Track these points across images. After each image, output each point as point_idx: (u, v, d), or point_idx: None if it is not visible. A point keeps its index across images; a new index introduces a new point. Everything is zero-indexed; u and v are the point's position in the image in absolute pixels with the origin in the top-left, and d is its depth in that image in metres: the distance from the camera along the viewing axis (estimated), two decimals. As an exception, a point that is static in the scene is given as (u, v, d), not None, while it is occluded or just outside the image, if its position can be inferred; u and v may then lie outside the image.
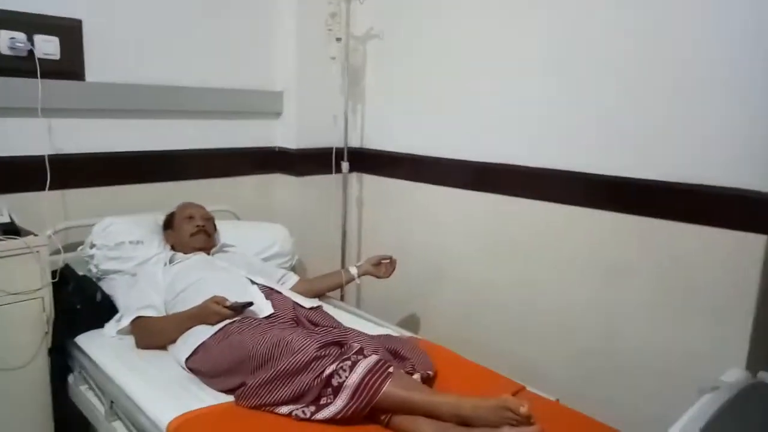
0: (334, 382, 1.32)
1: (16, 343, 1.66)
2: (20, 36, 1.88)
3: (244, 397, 1.38)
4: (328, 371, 1.33)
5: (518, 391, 1.53)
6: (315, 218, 2.72)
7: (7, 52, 1.87)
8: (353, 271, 2.19)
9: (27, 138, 1.94)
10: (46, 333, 1.71)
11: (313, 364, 1.34)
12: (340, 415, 1.30)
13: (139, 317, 1.73)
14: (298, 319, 1.67)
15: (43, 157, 1.94)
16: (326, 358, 1.35)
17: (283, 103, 2.67)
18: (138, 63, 2.21)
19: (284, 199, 2.74)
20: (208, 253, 2.01)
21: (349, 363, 1.33)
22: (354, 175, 2.89)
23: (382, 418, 1.33)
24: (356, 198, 2.91)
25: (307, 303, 1.80)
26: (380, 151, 2.78)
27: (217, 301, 1.59)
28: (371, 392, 1.29)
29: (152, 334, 1.69)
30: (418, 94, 2.57)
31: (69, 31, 2.00)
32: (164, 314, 1.76)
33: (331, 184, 2.67)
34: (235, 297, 1.65)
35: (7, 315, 1.63)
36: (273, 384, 1.35)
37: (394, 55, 2.66)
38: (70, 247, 2.03)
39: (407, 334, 1.93)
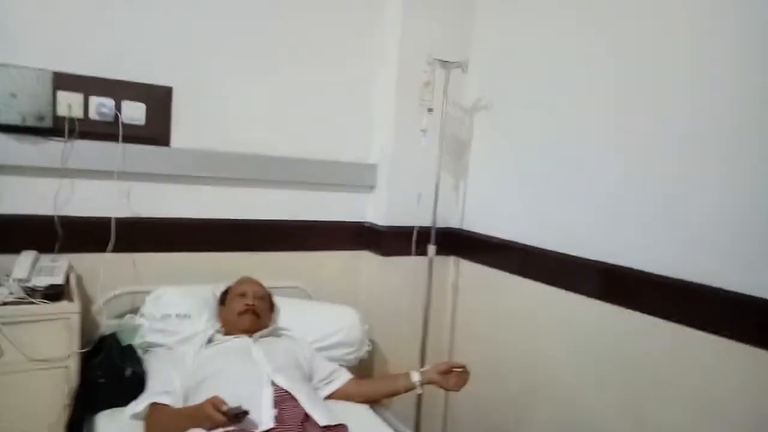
0: None
1: (33, 415, 1.58)
2: (108, 102, 1.94)
3: None
4: None
5: None
6: (398, 304, 2.42)
7: (95, 117, 1.93)
8: (415, 378, 1.84)
9: (100, 199, 1.96)
10: (66, 406, 1.62)
11: None
12: None
13: (154, 403, 1.56)
14: (302, 439, 1.37)
15: (110, 219, 1.95)
16: None
17: (376, 177, 2.47)
18: (228, 131, 2.18)
19: (366, 279, 2.49)
20: (252, 336, 1.82)
21: None
22: (450, 259, 2.56)
23: None
24: (452, 285, 2.56)
25: (325, 419, 1.49)
26: (482, 234, 2.43)
27: (214, 403, 1.36)
28: None
29: (156, 427, 1.51)
30: (530, 173, 2.20)
31: (158, 98, 2.03)
32: (182, 402, 1.58)
33: (419, 268, 2.36)
34: (243, 399, 1.42)
35: (27, 384, 1.57)
36: None
37: (503, 128, 2.35)
38: (130, 313, 1.99)
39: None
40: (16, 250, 1.80)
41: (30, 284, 1.68)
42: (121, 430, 1.58)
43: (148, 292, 1.96)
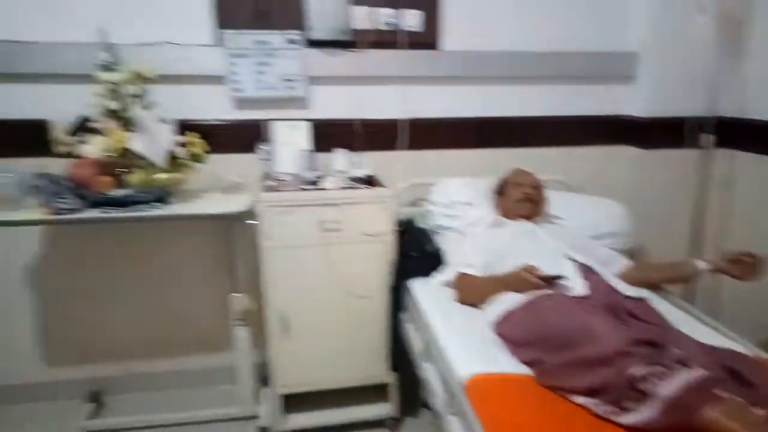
0: (642, 387, 1.14)
1: (366, 277, 1.98)
2: (392, 12, 2.15)
3: (541, 375, 1.33)
4: (634, 372, 1.16)
5: None
6: (662, 199, 2.39)
7: (381, 27, 2.16)
8: (702, 265, 1.83)
9: (388, 103, 2.23)
10: (388, 273, 1.98)
11: (617, 360, 1.18)
12: (641, 426, 1.13)
13: (460, 273, 1.83)
14: (614, 307, 1.50)
15: (395, 120, 2.22)
16: (634, 357, 1.17)
17: (637, 65, 2.38)
18: (488, 31, 2.27)
19: (626, 174, 2.48)
20: (533, 222, 1.98)
21: (663, 370, 1.13)
22: (721, 152, 2.41)
23: (701, 447, 1.10)
24: (725, 179, 2.42)
25: (629, 291, 1.60)
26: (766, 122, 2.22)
27: (529, 270, 1.56)
28: (688, 414, 1.07)
29: (468, 292, 1.78)
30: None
31: (429, 4, 2.18)
32: (482, 274, 1.83)
33: (688, 161, 2.28)
34: (548, 269, 1.60)
35: (361, 251, 1.95)
36: (572, 369, 1.25)
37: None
38: (416, 202, 2.29)
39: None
40: (329, 148, 2.16)
41: (350, 175, 2.03)
42: (433, 293, 1.88)
43: (431, 184, 2.22)
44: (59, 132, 1.74)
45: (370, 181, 2.03)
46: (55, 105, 1.90)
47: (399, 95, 2.24)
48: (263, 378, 2.15)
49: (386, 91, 2.23)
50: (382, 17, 2.15)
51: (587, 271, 1.66)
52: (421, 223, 2.18)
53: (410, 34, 2.18)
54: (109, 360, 2.27)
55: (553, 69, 2.36)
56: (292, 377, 1.98)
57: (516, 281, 1.60)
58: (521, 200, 2.01)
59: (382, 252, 1.97)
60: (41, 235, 2.11)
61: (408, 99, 2.25)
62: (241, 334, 2.01)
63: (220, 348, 2.26)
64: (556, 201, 2.20)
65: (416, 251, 1.98)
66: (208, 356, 2.31)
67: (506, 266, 1.72)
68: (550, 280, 1.54)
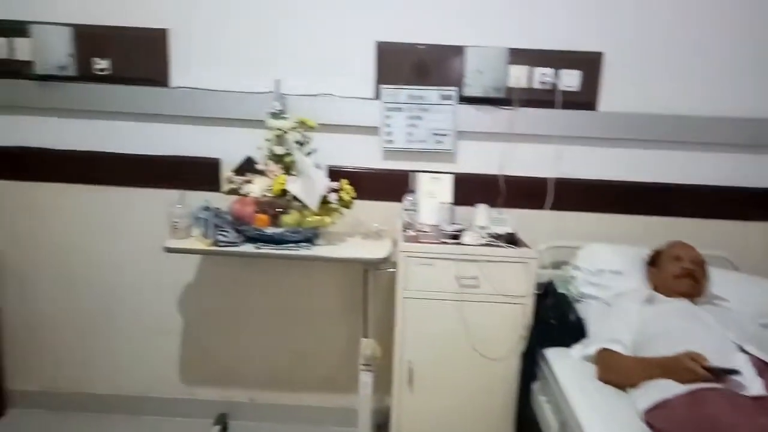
0: None
1: (497, 338, 1.90)
2: (549, 72, 2.12)
3: (705, 482, 1.16)
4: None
5: None
6: None
7: (536, 86, 2.13)
8: None
9: (537, 161, 2.19)
10: (522, 337, 1.89)
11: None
12: None
13: (605, 349, 1.70)
14: (799, 414, 1.28)
15: (542, 179, 2.16)
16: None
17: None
18: (651, 92, 2.17)
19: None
20: (693, 302, 1.79)
21: None
22: None
23: None
24: None
25: (820, 399, 1.36)
26: None
27: (694, 357, 1.39)
28: None
29: (614, 371, 1.63)
30: None
31: (589, 64, 2.13)
32: (631, 354, 1.67)
33: None
34: (714, 359, 1.42)
35: (496, 312, 1.88)
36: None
37: None
38: (557, 265, 2.18)
39: None
40: (470, 203, 2.14)
41: (491, 231, 1.99)
42: (571, 366, 1.75)
43: (576, 248, 2.11)
44: (229, 171, 1.90)
45: (510, 239, 1.96)
46: (227, 146, 2.11)
47: (548, 154, 2.19)
48: (381, 425, 2.12)
49: (535, 149, 2.19)
50: (539, 76, 2.12)
51: (763, 367, 1.44)
52: (563, 289, 2.05)
53: (566, 93, 2.13)
54: (238, 386, 2.38)
55: (720, 135, 2.18)
56: (410, 430, 1.94)
57: (676, 369, 1.43)
58: (680, 276, 1.84)
59: (519, 315, 1.88)
60: (195, 262, 2.29)
61: (557, 158, 2.19)
62: (366, 380, 2.00)
63: (343, 389, 2.29)
64: (718, 280, 1.99)
65: (556, 318, 1.87)
66: (329, 395, 2.34)
67: (657, 348, 1.57)
68: (720, 374, 1.36)
